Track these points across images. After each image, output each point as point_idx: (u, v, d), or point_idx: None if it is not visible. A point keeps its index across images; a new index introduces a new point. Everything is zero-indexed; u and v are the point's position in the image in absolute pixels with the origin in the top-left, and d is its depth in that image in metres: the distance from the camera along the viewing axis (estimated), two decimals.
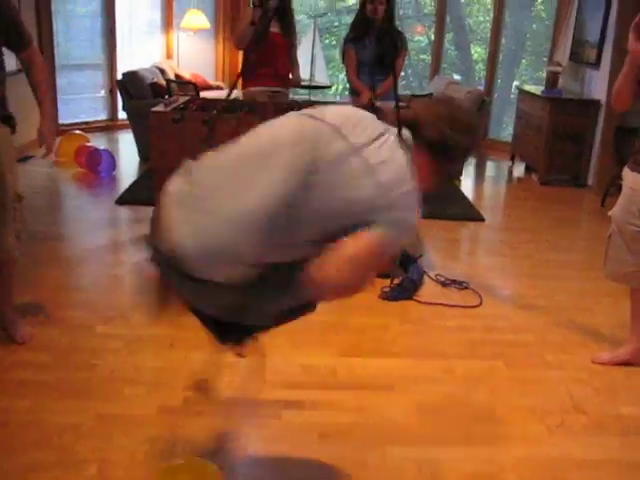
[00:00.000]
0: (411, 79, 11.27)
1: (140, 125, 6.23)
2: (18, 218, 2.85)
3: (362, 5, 5.02)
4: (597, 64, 6.53)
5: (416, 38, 10.78)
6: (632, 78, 2.74)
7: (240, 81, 5.53)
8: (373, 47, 5.02)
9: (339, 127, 1.72)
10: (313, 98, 7.11)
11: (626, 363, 3.10)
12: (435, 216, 5.07)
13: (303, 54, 8.13)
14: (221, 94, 6.73)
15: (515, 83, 9.09)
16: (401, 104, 5.14)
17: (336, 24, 11.37)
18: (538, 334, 3.42)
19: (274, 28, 4.81)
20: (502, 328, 3.48)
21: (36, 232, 4.46)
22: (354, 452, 2.39)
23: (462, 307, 3.68)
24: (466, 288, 3.91)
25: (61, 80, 7.49)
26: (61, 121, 7.50)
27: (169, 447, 2.35)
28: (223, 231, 1.63)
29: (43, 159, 3.24)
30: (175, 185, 1.79)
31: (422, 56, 10.90)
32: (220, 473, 2.10)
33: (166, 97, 5.79)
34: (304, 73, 6.64)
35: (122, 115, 7.61)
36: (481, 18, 10.27)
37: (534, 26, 9.56)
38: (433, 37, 8.81)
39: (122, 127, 7.89)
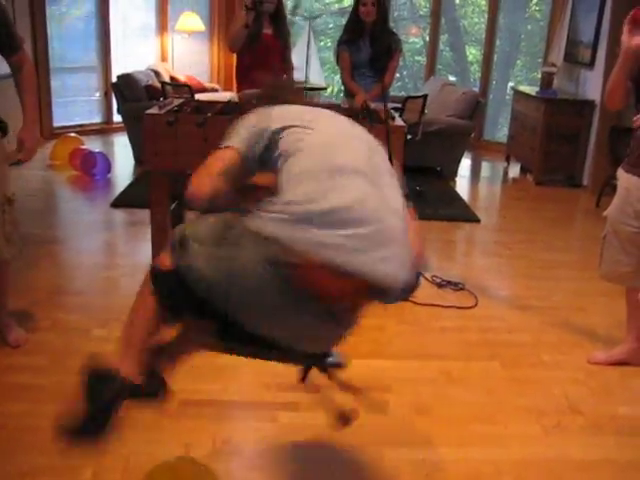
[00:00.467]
0: (406, 80, 11.27)
1: (135, 128, 6.23)
2: (8, 221, 2.84)
3: (355, 7, 5.03)
4: (591, 64, 6.55)
5: (411, 40, 10.78)
6: (625, 74, 2.74)
7: (235, 84, 5.53)
8: (367, 49, 5.03)
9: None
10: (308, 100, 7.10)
11: (622, 363, 3.11)
12: (430, 217, 5.07)
13: (298, 56, 8.14)
14: (216, 96, 6.72)
15: (510, 84, 9.09)
16: (395, 105, 5.14)
17: (331, 26, 11.37)
18: (534, 334, 3.42)
19: (267, 30, 4.81)
20: (498, 329, 3.48)
21: (31, 235, 4.44)
22: (350, 453, 2.39)
23: (458, 308, 3.68)
24: (462, 289, 3.91)
25: (55, 83, 7.47)
26: (55, 124, 7.49)
27: (165, 450, 2.34)
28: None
29: (23, 162, 3.18)
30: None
31: (417, 57, 10.91)
32: (210, 472, 2.08)
33: (161, 99, 5.77)
34: (299, 75, 6.65)
35: (117, 118, 7.61)
36: (476, 19, 10.28)
37: (528, 27, 9.57)
38: (428, 38, 8.83)
39: (117, 130, 7.88)
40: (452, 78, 9.82)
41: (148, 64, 7.88)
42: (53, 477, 2.19)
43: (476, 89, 8.20)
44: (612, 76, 2.79)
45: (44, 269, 3.95)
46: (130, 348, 1.86)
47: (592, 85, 6.54)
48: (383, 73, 5.05)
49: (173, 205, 4.24)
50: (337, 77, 5.78)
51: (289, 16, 5.05)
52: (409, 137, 5.41)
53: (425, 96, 5.96)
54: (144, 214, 4.13)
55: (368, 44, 5.05)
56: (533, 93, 7.01)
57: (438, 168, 6.83)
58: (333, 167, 1.62)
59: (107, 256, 4.43)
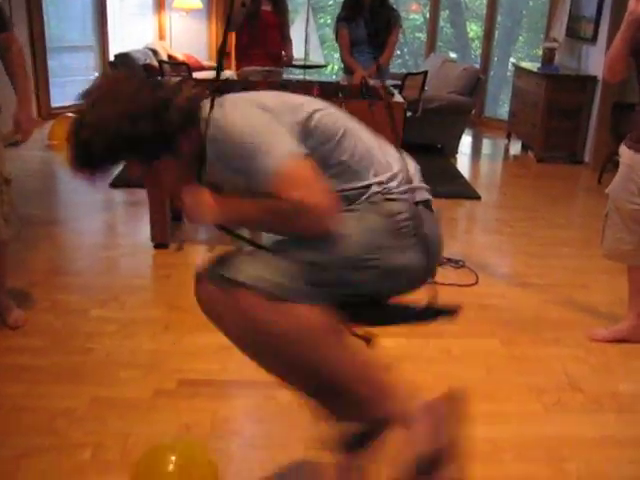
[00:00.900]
0: (407, 58, 11.18)
1: None
2: (6, 201, 2.82)
3: None
4: (594, 39, 6.47)
5: (411, 16, 10.67)
6: (627, 43, 2.69)
7: (233, 62, 5.49)
8: (366, 25, 4.98)
9: None
10: (308, 77, 7.06)
11: (623, 340, 3.10)
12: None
13: (297, 33, 8.07)
14: (214, 74, 6.66)
15: (512, 60, 9.01)
16: (395, 82, 5.10)
17: (330, 2, 11.26)
18: (534, 312, 3.41)
19: (266, 7, 4.77)
20: (498, 306, 3.47)
21: (30, 216, 4.43)
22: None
23: (458, 285, 3.66)
24: (462, 267, 3.89)
25: (53, 63, 7.40)
26: (53, 104, 7.44)
27: (164, 430, 2.34)
28: None
29: (21, 143, 3.17)
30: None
31: (417, 34, 10.81)
32: (208, 452, 2.08)
33: (158, 78, 5.72)
34: (298, 52, 6.59)
35: None
36: None
37: (530, 2, 9.47)
38: (428, 15, 8.73)
39: None
40: (453, 55, 9.73)
41: (146, 43, 7.82)
42: (52, 457, 2.18)
43: (477, 66, 8.12)
44: (613, 46, 2.74)
45: (43, 250, 3.94)
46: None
47: (594, 60, 6.47)
48: (382, 49, 5.00)
49: None
50: (337, 55, 5.73)
51: None
52: (409, 114, 5.38)
53: (425, 73, 5.91)
54: (143, 194, 4.11)
55: (367, 20, 5.00)
56: (534, 69, 6.94)
57: (439, 145, 6.78)
58: (368, 145, 1.72)
59: (106, 236, 4.41)
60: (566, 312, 3.42)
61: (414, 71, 6.88)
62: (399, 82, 5.57)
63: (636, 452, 2.36)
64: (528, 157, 6.98)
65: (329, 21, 10.69)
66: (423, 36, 9.57)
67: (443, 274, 3.78)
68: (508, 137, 7.59)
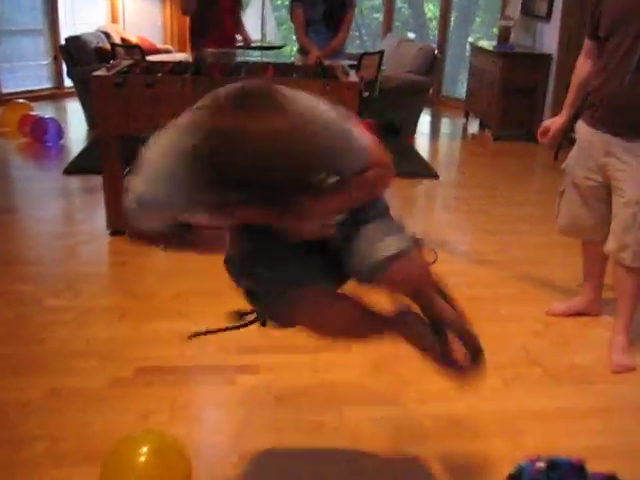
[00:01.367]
0: (365, 39, 11.15)
1: (86, 92, 6.00)
2: None
3: None
4: (548, 17, 6.52)
5: None
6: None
7: (189, 45, 5.42)
8: (321, 4, 4.93)
9: None
10: (265, 59, 6.97)
11: (579, 313, 3.14)
12: None
13: (253, 15, 7.97)
14: (169, 57, 6.55)
15: (470, 40, 9.03)
16: (351, 62, 5.07)
17: None
18: (493, 288, 3.44)
19: None
20: (457, 284, 3.42)
21: None
22: (311, 414, 2.38)
23: None
24: (421, 245, 3.89)
25: (1, 47, 7.20)
26: (4, 90, 7.25)
27: (123, 419, 2.31)
28: None
29: None
30: None
31: (375, 15, 10.77)
32: (179, 442, 2.05)
33: (111, 62, 5.61)
34: (255, 34, 6.52)
35: (68, 82, 7.37)
36: None
37: None
38: None
39: (69, 95, 7.65)
40: (411, 35, 9.73)
41: (98, 25, 7.63)
42: (4, 451, 2.13)
43: (434, 45, 8.11)
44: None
45: None
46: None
47: (549, 38, 6.52)
48: (337, 29, 4.97)
49: (127, 169, 4.14)
50: (295, 36, 5.67)
51: None
52: (366, 94, 5.35)
53: (381, 52, 5.89)
54: (99, 180, 4.02)
55: (322, 0, 4.95)
56: (490, 48, 6.97)
57: (397, 125, 6.77)
58: None
59: (61, 224, 4.32)
60: (524, 288, 3.46)
61: (371, 51, 6.84)
62: (355, 62, 5.54)
63: (592, 423, 2.40)
64: (485, 135, 7.02)
65: (286, 2, 10.59)
66: (381, 16, 9.53)
67: None
68: (466, 116, 7.63)
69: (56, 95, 7.83)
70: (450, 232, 4.26)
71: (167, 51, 7.90)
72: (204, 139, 1.28)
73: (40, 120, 5.96)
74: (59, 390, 2.46)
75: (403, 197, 4.96)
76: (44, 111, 6.58)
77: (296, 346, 2.82)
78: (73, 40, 6.53)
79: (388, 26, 8.55)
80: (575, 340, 2.97)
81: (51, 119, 6.06)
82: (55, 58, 7.74)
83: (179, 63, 4.33)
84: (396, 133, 6.55)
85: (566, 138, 5.29)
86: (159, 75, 3.75)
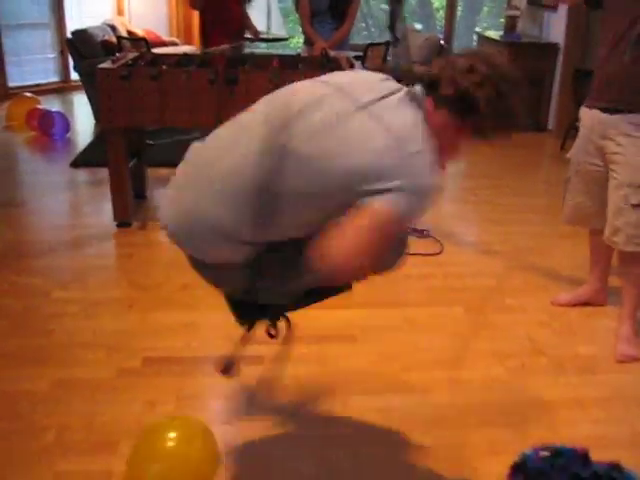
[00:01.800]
0: (372, 30, 11.13)
1: (93, 85, 6.03)
2: None
3: None
4: (555, 6, 6.47)
5: None
6: None
7: (199, 41, 5.44)
8: None
9: (342, 87, 1.63)
10: (272, 51, 6.98)
11: (585, 303, 3.14)
12: None
13: (258, 7, 7.96)
14: (175, 50, 6.56)
15: (477, 30, 9.00)
16: (356, 54, 5.07)
17: None
18: (498, 279, 3.44)
19: None
20: (462, 274, 3.49)
21: None
22: (316, 404, 2.39)
23: (423, 255, 3.67)
24: (427, 236, 3.90)
25: (8, 41, 7.21)
26: (10, 84, 7.27)
27: (130, 409, 2.33)
28: (207, 207, 1.59)
29: None
30: (179, 167, 1.76)
31: (382, 6, 10.74)
32: (208, 428, 2.07)
33: (117, 55, 5.62)
34: (260, 26, 6.52)
35: (75, 76, 7.39)
36: None
37: None
38: None
39: (76, 88, 7.66)
40: (418, 26, 9.70)
41: (104, 18, 7.63)
42: (15, 441, 2.15)
43: (441, 36, 8.09)
44: None
45: (2, 233, 3.86)
46: None
47: (556, 28, 6.48)
48: (343, 20, 4.96)
49: (133, 162, 4.16)
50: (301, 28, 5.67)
51: None
52: None
53: (387, 43, 5.87)
54: (105, 173, 4.04)
55: None
56: (497, 37, 6.94)
57: None
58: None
59: (68, 217, 4.34)
60: (529, 278, 3.46)
61: (377, 41, 6.83)
62: (361, 53, 5.53)
63: (595, 412, 2.40)
64: None
65: None
66: (387, 7, 9.49)
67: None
68: None
69: (63, 88, 7.85)
70: (456, 223, 4.26)
71: (173, 44, 7.90)
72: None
73: (47, 114, 5.98)
74: (67, 381, 2.48)
75: None
76: (51, 104, 6.61)
77: (301, 337, 2.82)
78: (79, 33, 6.54)
79: None
80: (580, 330, 2.97)
81: (58, 113, 6.09)
82: (61, 51, 7.76)
83: (185, 55, 4.34)
84: None
85: (574, 128, 5.27)
86: (164, 67, 3.76)
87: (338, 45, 4.88)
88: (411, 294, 3.25)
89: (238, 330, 2.81)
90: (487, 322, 3.02)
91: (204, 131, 1.84)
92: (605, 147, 2.74)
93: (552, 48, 6.48)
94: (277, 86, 1.78)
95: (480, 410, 2.39)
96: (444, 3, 9.08)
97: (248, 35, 5.44)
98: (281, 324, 2.07)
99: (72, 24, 7.43)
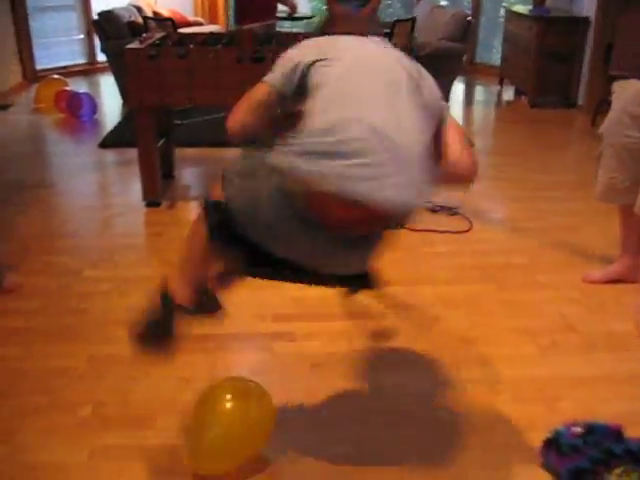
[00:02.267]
0: (399, 6, 11.01)
1: (120, 66, 6.06)
2: None
3: None
4: None
5: None
6: None
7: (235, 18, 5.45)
8: None
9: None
10: (295, 30, 6.95)
11: (617, 280, 3.10)
12: None
13: None
14: (200, 29, 6.55)
15: (504, 4, 8.85)
16: (384, 30, 5.00)
17: None
18: (529, 256, 3.41)
19: None
20: (492, 252, 3.47)
21: (19, 180, 4.40)
22: (346, 380, 2.41)
23: (452, 233, 3.65)
24: (456, 214, 3.88)
25: (35, 24, 7.26)
26: (38, 66, 7.33)
27: (162, 385, 2.36)
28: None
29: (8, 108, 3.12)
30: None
31: None
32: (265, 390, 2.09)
33: (143, 35, 5.63)
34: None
35: (102, 57, 7.42)
36: None
37: None
38: None
39: (103, 69, 7.71)
40: (444, 2, 9.56)
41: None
42: (53, 416, 2.20)
43: (468, 11, 7.98)
44: None
45: (33, 214, 3.91)
46: (183, 276, 1.95)
47: (586, 1, 6.35)
48: None
49: (161, 142, 4.18)
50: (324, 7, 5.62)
51: None
52: None
53: (413, 19, 5.81)
54: (133, 153, 4.06)
55: None
56: (525, 12, 6.83)
57: None
58: (347, 99, 1.65)
59: (97, 197, 4.38)
60: (560, 255, 3.42)
61: (403, 18, 6.75)
62: (388, 30, 5.48)
63: (628, 389, 2.38)
64: (521, 102, 6.91)
65: None
66: None
67: (437, 221, 3.77)
68: (500, 83, 7.51)
69: (90, 70, 7.90)
70: (485, 201, 4.21)
71: (198, 23, 7.89)
72: None
73: (75, 95, 6.03)
74: (101, 357, 2.52)
75: None
76: (78, 86, 6.66)
77: (331, 314, 2.84)
78: (105, 15, 6.56)
79: None
80: (612, 307, 2.94)
81: (86, 94, 6.13)
82: (88, 33, 7.79)
83: (211, 34, 4.33)
84: None
85: (604, 103, 5.19)
86: (192, 47, 3.76)
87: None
88: (441, 271, 3.24)
89: (267, 308, 2.85)
90: (518, 299, 3.00)
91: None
92: None
93: (582, 22, 6.35)
94: None
95: (511, 386, 2.38)
96: None
97: (282, 14, 5.44)
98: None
99: (98, 5, 7.45)
